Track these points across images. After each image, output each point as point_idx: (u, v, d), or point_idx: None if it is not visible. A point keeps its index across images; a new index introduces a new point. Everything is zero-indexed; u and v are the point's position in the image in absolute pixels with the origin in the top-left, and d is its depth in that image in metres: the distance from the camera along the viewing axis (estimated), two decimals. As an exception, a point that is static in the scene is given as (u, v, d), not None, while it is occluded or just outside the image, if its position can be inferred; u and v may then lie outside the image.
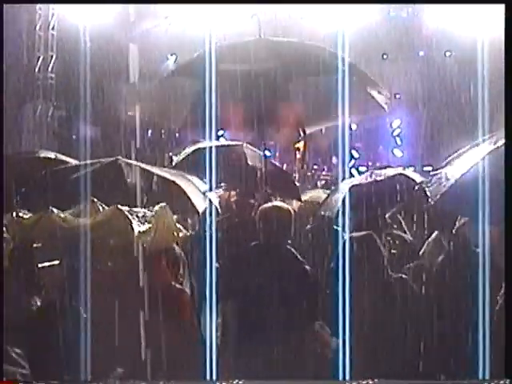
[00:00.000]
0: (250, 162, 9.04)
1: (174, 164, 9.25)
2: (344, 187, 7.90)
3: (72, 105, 15.07)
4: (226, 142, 10.27)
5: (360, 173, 13.19)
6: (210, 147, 8.22)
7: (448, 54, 16.32)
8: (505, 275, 4.96)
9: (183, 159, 9.18)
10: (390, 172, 8.28)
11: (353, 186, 7.86)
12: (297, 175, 12.77)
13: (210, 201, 7.27)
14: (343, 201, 7.25)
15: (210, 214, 6.96)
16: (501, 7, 6.11)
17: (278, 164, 11.64)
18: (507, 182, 4.97)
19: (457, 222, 6.47)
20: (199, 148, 9.11)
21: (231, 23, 16.27)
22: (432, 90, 15.97)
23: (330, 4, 14.34)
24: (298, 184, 10.92)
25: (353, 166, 16.53)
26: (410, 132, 17.28)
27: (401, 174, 8.17)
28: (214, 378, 5.44)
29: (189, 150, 9.40)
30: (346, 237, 6.29)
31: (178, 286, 5.96)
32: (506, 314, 4.80)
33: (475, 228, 5.39)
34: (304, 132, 11.27)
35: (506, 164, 5.08)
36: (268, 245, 6.39)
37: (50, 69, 17.31)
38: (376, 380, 4.59)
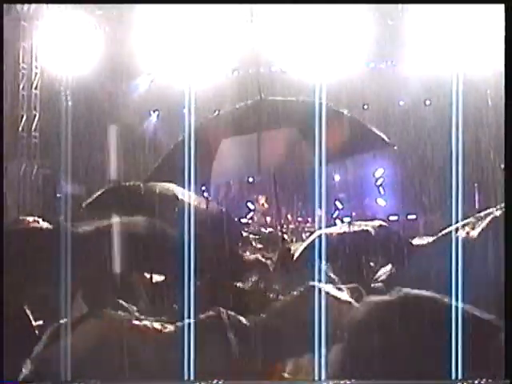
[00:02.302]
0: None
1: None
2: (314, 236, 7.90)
3: (56, 163, 15.12)
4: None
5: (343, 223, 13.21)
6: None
7: (427, 102, 16.50)
8: (505, 275, 4.94)
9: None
10: (370, 223, 8.29)
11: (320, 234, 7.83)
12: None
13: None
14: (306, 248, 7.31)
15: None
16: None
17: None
18: (507, 182, 4.99)
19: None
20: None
21: (211, 78, 16.47)
22: (414, 138, 16.10)
23: (327, 4, 14.49)
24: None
25: (337, 217, 16.61)
26: (394, 181, 17.38)
27: (381, 226, 8.17)
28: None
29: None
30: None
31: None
32: (506, 314, 4.77)
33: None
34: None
35: (506, 164, 5.10)
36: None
37: (33, 127, 17.41)
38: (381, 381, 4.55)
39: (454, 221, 5.60)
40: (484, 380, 4.68)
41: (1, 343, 4.73)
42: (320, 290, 5.31)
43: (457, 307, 4.72)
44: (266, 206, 16.59)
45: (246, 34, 16.10)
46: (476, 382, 4.71)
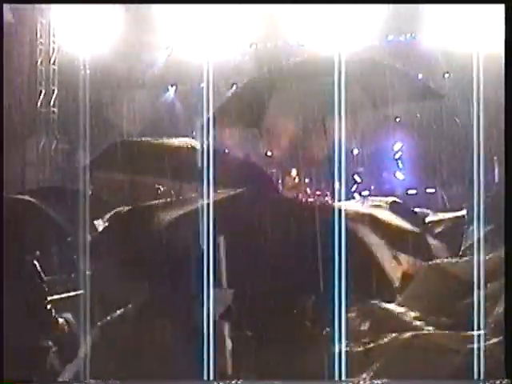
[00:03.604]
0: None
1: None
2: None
3: (75, 138, 15.15)
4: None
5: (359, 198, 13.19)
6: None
7: (446, 75, 16.38)
8: (505, 275, 4.94)
9: None
10: (383, 198, 8.24)
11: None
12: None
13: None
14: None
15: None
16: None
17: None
18: (507, 182, 4.97)
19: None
20: None
21: (230, 52, 16.43)
22: (433, 112, 16.01)
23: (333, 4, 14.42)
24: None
25: (355, 191, 16.57)
26: (412, 154, 17.32)
27: (394, 202, 8.13)
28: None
29: None
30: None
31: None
32: (506, 315, 4.78)
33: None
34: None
35: (506, 164, 5.09)
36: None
37: (52, 103, 17.43)
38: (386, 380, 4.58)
39: (475, 194, 5.58)
40: (484, 380, 4.71)
41: (1, 343, 4.74)
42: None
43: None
44: (297, 180, 16.34)
45: (263, 7, 16.02)
46: (475, 381, 4.74)
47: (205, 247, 5.30)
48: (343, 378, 5.14)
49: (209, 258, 5.26)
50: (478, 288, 5.40)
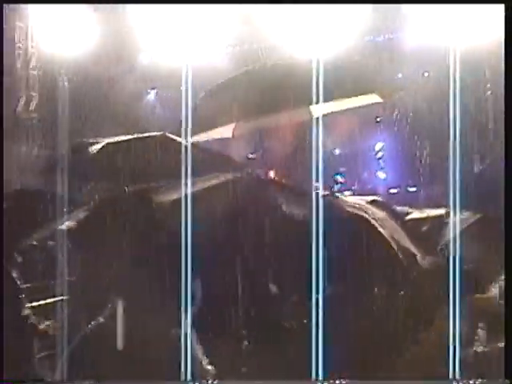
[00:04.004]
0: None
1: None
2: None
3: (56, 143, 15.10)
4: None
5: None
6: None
7: (426, 74, 16.43)
8: (505, 275, 4.96)
9: None
10: (364, 197, 8.29)
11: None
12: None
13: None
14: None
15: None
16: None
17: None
18: (507, 182, 4.99)
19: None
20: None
21: (210, 54, 16.41)
22: (413, 110, 16.07)
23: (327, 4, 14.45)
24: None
25: (338, 191, 16.59)
26: (393, 154, 17.37)
27: (374, 201, 8.17)
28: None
29: None
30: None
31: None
32: (506, 314, 4.80)
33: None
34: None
35: (506, 163, 5.11)
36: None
37: (32, 109, 17.34)
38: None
39: (451, 194, 5.59)
40: (484, 380, 4.72)
41: (1, 343, 4.73)
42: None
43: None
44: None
45: (241, 9, 16.02)
46: (475, 381, 4.75)
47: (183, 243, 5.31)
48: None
49: (187, 253, 5.27)
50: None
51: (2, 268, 5.35)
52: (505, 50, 5.54)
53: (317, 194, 7.63)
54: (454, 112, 6.62)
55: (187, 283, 5.36)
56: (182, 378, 4.91)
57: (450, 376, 4.82)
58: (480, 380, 4.82)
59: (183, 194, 6.10)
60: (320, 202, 7.51)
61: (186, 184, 6.61)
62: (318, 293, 5.42)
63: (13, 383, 4.51)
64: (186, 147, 6.77)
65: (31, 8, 16.53)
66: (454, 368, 4.59)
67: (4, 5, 9.64)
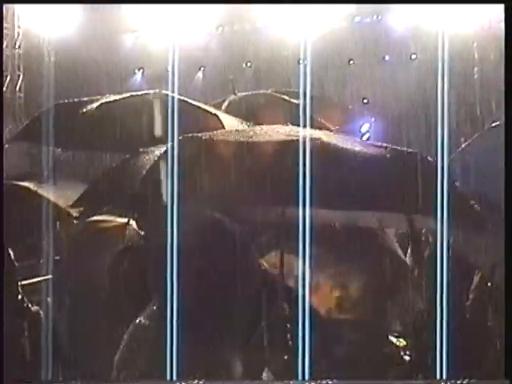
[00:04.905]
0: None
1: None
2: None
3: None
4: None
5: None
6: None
7: (413, 56, 16.42)
8: (505, 275, 4.96)
9: None
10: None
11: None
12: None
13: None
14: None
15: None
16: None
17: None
18: (507, 182, 4.98)
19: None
20: None
21: (197, 35, 16.37)
22: (399, 94, 16.07)
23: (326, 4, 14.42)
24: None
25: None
26: (379, 136, 17.36)
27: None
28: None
29: None
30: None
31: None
32: (506, 315, 4.79)
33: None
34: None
35: (506, 162, 5.10)
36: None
37: (17, 88, 17.28)
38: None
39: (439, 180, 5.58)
40: (484, 380, 4.73)
41: (1, 343, 4.69)
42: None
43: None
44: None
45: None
46: (475, 381, 4.75)
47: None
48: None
49: (172, 252, 5.27)
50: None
51: (3, 267, 5.31)
52: (505, 50, 5.53)
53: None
54: (443, 93, 6.62)
55: (173, 270, 5.32)
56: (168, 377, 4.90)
57: (438, 376, 4.83)
58: (480, 380, 4.83)
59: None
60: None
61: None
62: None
63: (13, 383, 4.49)
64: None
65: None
66: (442, 368, 4.60)
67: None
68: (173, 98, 7.26)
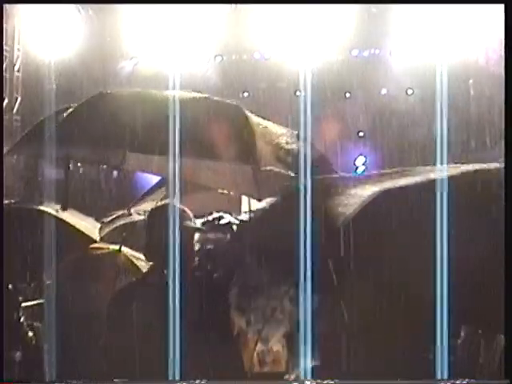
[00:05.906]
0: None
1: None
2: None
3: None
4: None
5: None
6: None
7: (410, 91, 16.53)
8: (505, 275, 4.97)
9: None
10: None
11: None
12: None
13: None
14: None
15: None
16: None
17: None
18: (507, 182, 4.99)
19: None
20: None
21: (196, 64, 16.42)
22: (395, 127, 16.15)
23: (324, 4, 14.45)
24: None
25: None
26: (375, 169, 17.43)
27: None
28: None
29: None
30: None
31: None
32: (506, 314, 4.81)
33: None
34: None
35: (506, 163, 5.12)
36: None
37: (15, 111, 17.28)
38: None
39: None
40: (484, 380, 4.76)
41: (1, 343, 4.71)
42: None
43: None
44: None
45: (229, 19, 16.06)
46: (475, 381, 4.78)
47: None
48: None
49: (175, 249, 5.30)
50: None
51: (2, 270, 5.31)
52: (505, 49, 5.59)
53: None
54: (441, 126, 6.66)
55: (175, 266, 5.30)
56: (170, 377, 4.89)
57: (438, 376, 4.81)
58: (480, 380, 4.84)
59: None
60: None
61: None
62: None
63: (13, 383, 4.50)
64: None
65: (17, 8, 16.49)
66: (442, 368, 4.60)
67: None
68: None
